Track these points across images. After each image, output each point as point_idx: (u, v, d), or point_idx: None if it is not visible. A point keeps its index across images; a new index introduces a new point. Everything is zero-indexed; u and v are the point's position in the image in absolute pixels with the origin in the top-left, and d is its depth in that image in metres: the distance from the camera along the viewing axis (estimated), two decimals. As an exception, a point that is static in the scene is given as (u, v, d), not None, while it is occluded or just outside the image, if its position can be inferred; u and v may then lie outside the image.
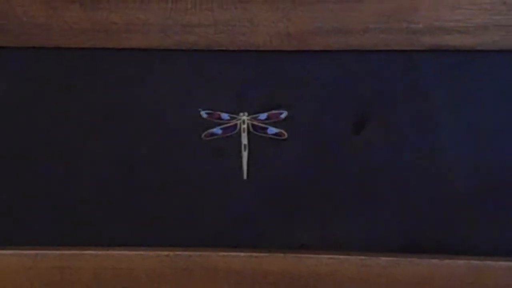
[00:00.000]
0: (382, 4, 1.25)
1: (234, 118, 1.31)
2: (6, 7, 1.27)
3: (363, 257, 1.33)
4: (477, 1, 1.24)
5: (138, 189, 1.35)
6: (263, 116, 1.30)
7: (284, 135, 1.30)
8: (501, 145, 1.31)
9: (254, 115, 1.30)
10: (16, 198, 1.37)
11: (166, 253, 1.35)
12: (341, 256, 1.33)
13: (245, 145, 1.31)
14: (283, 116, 1.30)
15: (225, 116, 1.30)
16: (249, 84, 1.30)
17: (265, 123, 1.30)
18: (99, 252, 1.36)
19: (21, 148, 1.35)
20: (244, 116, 1.30)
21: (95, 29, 1.28)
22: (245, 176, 1.32)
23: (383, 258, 1.33)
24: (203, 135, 1.31)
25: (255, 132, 1.31)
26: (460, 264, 1.32)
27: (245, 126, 1.31)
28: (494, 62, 1.27)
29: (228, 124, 1.31)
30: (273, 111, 1.30)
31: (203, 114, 1.31)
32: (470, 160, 1.31)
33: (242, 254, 1.34)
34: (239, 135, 1.31)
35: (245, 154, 1.31)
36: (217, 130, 1.31)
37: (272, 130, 1.30)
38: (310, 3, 1.25)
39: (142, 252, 1.35)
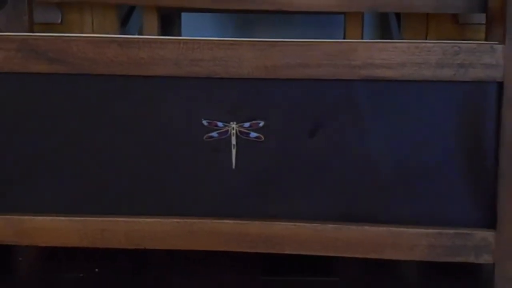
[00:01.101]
0: (331, 47, 1.33)
1: (226, 125, 1.37)
2: (66, 46, 1.35)
3: (315, 224, 1.39)
4: (397, 46, 1.33)
5: (158, 174, 1.40)
6: (246, 124, 1.37)
7: (261, 138, 1.37)
8: (412, 146, 1.36)
9: (241, 124, 1.37)
10: (72, 183, 1.41)
11: (176, 220, 1.40)
12: (299, 223, 1.39)
13: (233, 144, 1.37)
14: (261, 125, 1.37)
15: (220, 124, 1.37)
16: (237, 102, 1.36)
17: (248, 130, 1.37)
18: (129, 219, 1.41)
19: (75, 145, 1.39)
20: (233, 124, 1.37)
21: (128, 62, 1.34)
22: (233, 166, 1.39)
23: (330, 225, 1.39)
24: (204, 137, 1.38)
25: (241, 136, 1.37)
26: (383, 229, 1.38)
27: (234, 131, 1.37)
28: (410, 88, 1.34)
29: (222, 130, 1.37)
30: (254, 121, 1.37)
31: (205, 122, 1.37)
32: (391, 155, 1.37)
33: (230, 221, 1.40)
34: (229, 137, 1.37)
35: (233, 151, 1.38)
36: (214, 134, 1.37)
37: (253, 134, 1.37)
38: (281, 45, 1.33)
39: (160, 219, 1.41)
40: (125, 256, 1.55)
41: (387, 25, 2.46)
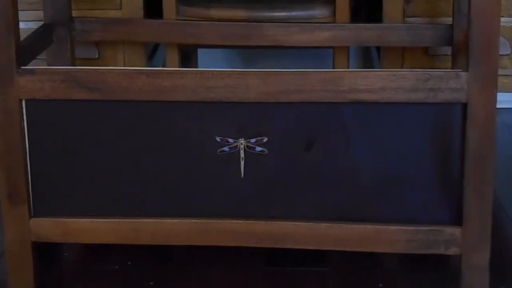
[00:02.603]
0: (322, 75, 1.33)
1: (236, 141, 1.36)
2: (102, 77, 1.34)
3: (311, 223, 1.37)
4: (378, 74, 1.31)
5: (179, 182, 1.39)
6: (253, 140, 1.36)
7: (265, 151, 1.36)
8: (392, 157, 1.36)
9: (248, 140, 1.36)
10: (108, 190, 1.40)
11: (194, 221, 1.39)
12: (297, 223, 1.38)
13: (242, 157, 1.36)
14: (265, 140, 1.36)
15: (230, 140, 1.36)
16: (245, 122, 1.36)
17: (254, 145, 1.36)
18: (156, 220, 1.40)
19: (110, 159, 1.39)
20: (242, 140, 1.36)
21: (154, 90, 1.34)
22: (242, 176, 1.37)
23: (323, 224, 1.37)
24: (217, 151, 1.37)
25: (248, 150, 1.36)
26: (368, 227, 1.37)
27: (242, 146, 1.36)
28: (389, 109, 1.34)
29: (232, 145, 1.36)
30: (259, 138, 1.36)
31: (218, 139, 1.36)
32: (374, 165, 1.36)
33: (240, 221, 1.39)
34: (238, 151, 1.36)
35: (242, 163, 1.36)
36: (226, 148, 1.37)
37: (258, 148, 1.36)
38: (281, 74, 1.33)
39: (181, 220, 1.40)
40: (153, 250, 1.55)
41: (369, 57, 2.47)
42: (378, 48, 2.28)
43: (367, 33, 1.88)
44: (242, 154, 1.37)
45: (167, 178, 1.40)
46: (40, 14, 1.96)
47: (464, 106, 1.32)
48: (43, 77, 1.35)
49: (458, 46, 1.90)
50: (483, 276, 1.36)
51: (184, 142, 1.38)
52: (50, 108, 1.37)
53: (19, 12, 1.39)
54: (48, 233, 1.41)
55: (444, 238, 1.36)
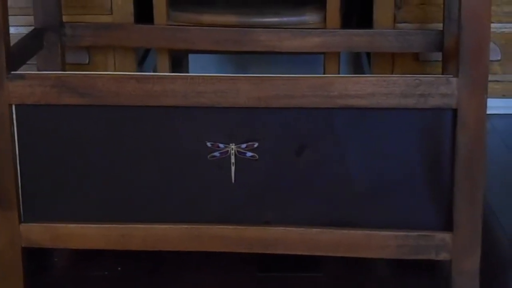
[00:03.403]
0: (313, 81, 1.33)
1: (226, 146, 1.36)
2: (92, 82, 1.34)
3: (302, 228, 1.37)
4: (368, 79, 1.32)
5: (169, 187, 1.38)
6: (243, 145, 1.36)
7: (256, 157, 1.36)
8: (382, 162, 1.36)
9: (238, 145, 1.36)
10: (98, 196, 1.40)
11: (185, 226, 1.39)
12: (289, 228, 1.38)
13: (233, 162, 1.36)
14: (255, 146, 1.36)
15: (221, 145, 1.36)
16: (235, 127, 1.35)
17: (245, 150, 1.36)
18: (146, 226, 1.39)
19: (100, 164, 1.38)
20: (232, 145, 1.36)
21: (144, 95, 1.34)
22: (233, 181, 1.37)
23: (314, 229, 1.37)
24: (208, 156, 1.37)
25: (239, 155, 1.36)
26: (359, 232, 1.37)
27: (233, 151, 1.36)
28: (379, 114, 1.34)
29: (223, 150, 1.36)
30: (249, 143, 1.36)
31: (208, 144, 1.36)
32: (364, 171, 1.36)
33: (231, 227, 1.38)
34: (229, 156, 1.36)
35: (233, 168, 1.36)
36: (216, 153, 1.36)
37: (249, 154, 1.36)
38: (271, 80, 1.33)
39: (171, 226, 1.39)
40: (143, 256, 1.55)
41: (359, 63, 2.47)
42: (368, 54, 2.29)
43: (358, 39, 1.89)
44: (232, 160, 1.37)
45: (158, 183, 1.39)
46: (30, 19, 1.97)
47: (454, 111, 1.32)
48: (33, 82, 1.35)
49: (449, 52, 1.90)
50: (473, 282, 1.37)
51: (174, 147, 1.38)
52: (40, 113, 1.37)
53: (10, 17, 1.38)
54: (38, 238, 1.41)
55: (434, 244, 1.37)
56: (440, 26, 1.95)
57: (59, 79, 1.35)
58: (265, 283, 1.51)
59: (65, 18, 1.97)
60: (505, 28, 2.17)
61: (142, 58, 2.31)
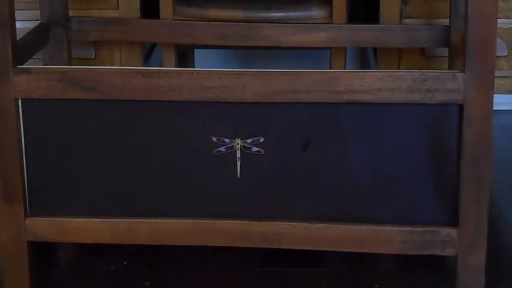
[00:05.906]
0: (319, 76, 1.32)
1: (232, 141, 1.36)
2: (98, 76, 1.34)
3: (307, 224, 1.37)
4: (374, 74, 1.32)
5: (175, 182, 1.38)
6: (249, 140, 1.36)
7: (261, 152, 1.36)
8: (388, 157, 1.35)
9: (244, 140, 1.36)
10: (104, 190, 1.40)
11: (190, 221, 1.39)
12: (293, 223, 1.37)
13: (238, 157, 1.36)
14: (261, 140, 1.36)
15: (227, 140, 1.36)
16: (241, 122, 1.35)
17: (250, 145, 1.36)
18: (151, 220, 1.39)
19: (106, 158, 1.38)
20: (238, 140, 1.36)
21: (150, 89, 1.34)
22: (238, 176, 1.37)
23: (319, 224, 1.37)
24: (214, 151, 1.36)
25: (244, 150, 1.36)
26: (364, 228, 1.36)
27: (238, 146, 1.36)
28: (385, 110, 1.33)
29: (229, 145, 1.36)
30: (255, 138, 1.35)
31: (214, 139, 1.36)
32: (370, 166, 1.36)
33: (236, 222, 1.38)
34: (235, 151, 1.36)
35: (238, 163, 1.36)
36: (222, 148, 1.36)
37: (254, 148, 1.36)
38: (277, 75, 1.33)
39: (176, 220, 1.39)
40: (148, 251, 1.55)
41: (366, 58, 2.47)
42: (374, 49, 2.28)
43: (364, 34, 1.89)
44: (238, 154, 1.37)
45: (163, 178, 1.39)
46: (36, 13, 1.97)
47: (461, 107, 1.32)
48: (39, 76, 1.35)
49: (455, 47, 1.90)
50: (479, 277, 1.36)
51: (180, 142, 1.37)
52: (46, 107, 1.37)
53: (16, 11, 1.38)
54: (44, 233, 1.41)
55: (440, 239, 1.36)
56: (446, 21, 1.95)
57: (65, 73, 1.35)
58: (269, 278, 1.51)
59: (71, 13, 1.97)
60: (512, 23, 2.17)
61: (148, 53, 2.31)
